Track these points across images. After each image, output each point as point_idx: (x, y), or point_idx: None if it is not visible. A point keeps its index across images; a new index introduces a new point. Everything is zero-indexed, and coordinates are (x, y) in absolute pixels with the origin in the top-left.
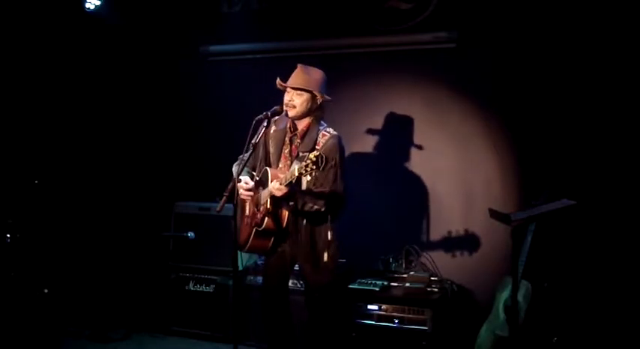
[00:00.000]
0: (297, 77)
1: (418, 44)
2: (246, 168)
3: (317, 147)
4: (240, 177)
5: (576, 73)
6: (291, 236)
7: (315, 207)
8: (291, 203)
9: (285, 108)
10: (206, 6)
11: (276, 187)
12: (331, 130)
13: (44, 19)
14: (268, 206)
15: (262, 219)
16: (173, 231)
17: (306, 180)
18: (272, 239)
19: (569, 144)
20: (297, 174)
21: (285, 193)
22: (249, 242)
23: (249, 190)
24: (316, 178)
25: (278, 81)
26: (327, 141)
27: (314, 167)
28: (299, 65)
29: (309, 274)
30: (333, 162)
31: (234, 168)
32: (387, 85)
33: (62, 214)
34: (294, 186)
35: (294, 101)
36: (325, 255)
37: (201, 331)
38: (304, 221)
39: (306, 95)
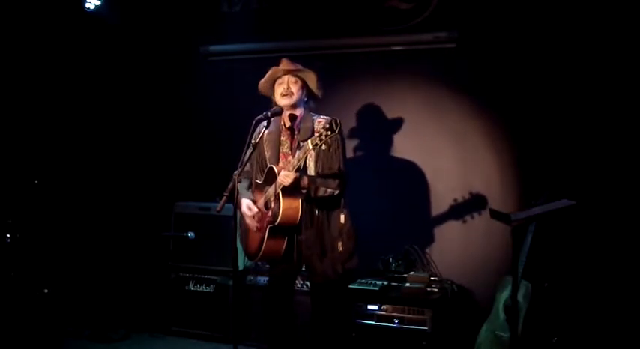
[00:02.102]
0: (288, 64)
1: (418, 44)
2: (245, 182)
3: (315, 133)
4: (243, 202)
5: (576, 73)
6: (305, 229)
7: (329, 190)
8: (304, 191)
9: (281, 99)
10: (206, 6)
11: (283, 174)
12: (325, 116)
13: (44, 19)
14: (280, 199)
15: (275, 215)
16: (173, 231)
17: (313, 162)
18: (285, 238)
19: (568, 144)
20: (310, 146)
21: (294, 179)
22: (263, 246)
23: (253, 216)
24: (323, 162)
25: (270, 70)
26: (324, 125)
27: (329, 133)
28: (283, 59)
29: (319, 267)
30: (335, 145)
31: (238, 186)
32: (387, 84)
33: (62, 214)
34: (302, 171)
35: (291, 88)
36: (339, 244)
37: (201, 331)
38: (317, 210)
39: (300, 82)
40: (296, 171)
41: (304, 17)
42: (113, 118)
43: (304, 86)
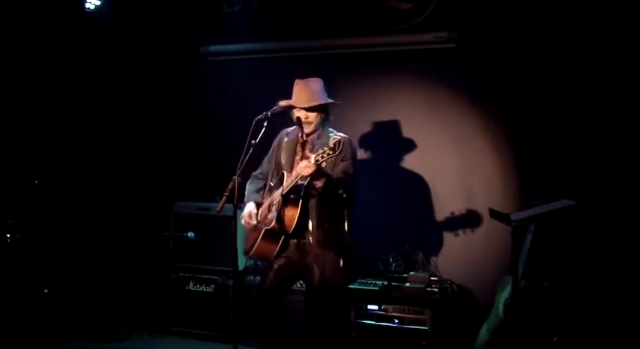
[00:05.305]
0: (304, 94)
1: (418, 44)
2: (256, 184)
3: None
4: (247, 207)
5: (576, 73)
6: (304, 238)
7: (340, 190)
8: (319, 185)
9: (301, 124)
10: (206, 6)
11: (304, 165)
12: (341, 134)
13: (44, 19)
14: (279, 204)
15: (272, 218)
16: (173, 231)
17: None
18: (279, 242)
19: (569, 145)
20: (313, 161)
21: (314, 170)
22: (257, 244)
23: (249, 223)
24: (332, 171)
25: (285, 103)
26: (330, 143)
27: (330, 152)
28: (298, 81)
29: (319, 276)
30: (345, 156)
31: (247, 188)
32: (387, 85)
33: (62, 214)
34: (321, 165)
35: (310, 118)
36: (341, 261)
37: (201, 331)
38: (322, 217)
39: (318, 109)
40: (314, 163)
41: (304, 17)
42: (113, 118)
43: (322, 111)
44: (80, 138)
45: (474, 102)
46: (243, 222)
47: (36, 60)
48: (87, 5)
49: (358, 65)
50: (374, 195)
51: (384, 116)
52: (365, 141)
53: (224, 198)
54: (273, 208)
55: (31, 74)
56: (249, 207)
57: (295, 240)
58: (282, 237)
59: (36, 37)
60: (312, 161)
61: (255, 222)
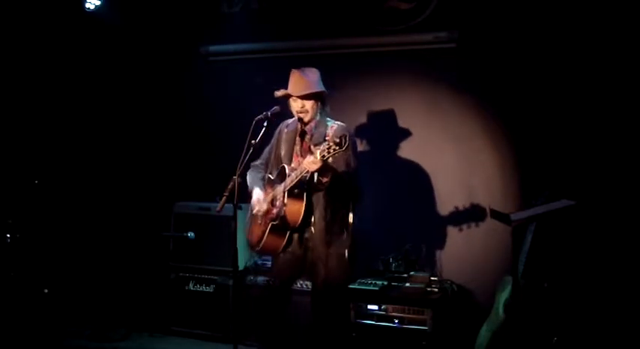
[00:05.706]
0: (299, 84)
1: (418, 44)
2: (259, 172)
3: (326, 138)
4: (254, 193)
5: (576, 73)
6: (313, 227)
7: (345, 183)
8: (325, 180)
9: (298, 115)
10: (206, 6)
11: (310, 160)
12: (339, 122)
13: (44, 19)
14: (285, 199)
15: (278, 213)
16: (173, 231)
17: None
18: (286, 236)
19: (569, 145)
20: (319, 157)
21: (320, 166)
22: (264, 239)
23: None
24: (338, 162)
25: (280, 92)
26: (335, 131)
27: (337, 148)
28: (294, 70)
29: (324, 269)
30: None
31: (248, 177)
32: (387, 85)
33: (62, 214)
34: (327, 161)
35: (306, 106)
36: (346, 252)
37: (201, 331)
38: (327, 211)
39: (312, 99)
40: (321, 159)
41: (304, 17)
42: (113, 118)
43: (318, 99)
44: (80, 138)
45: (474, 102)
46: (255, 209)
47: (36, 60)
48: (87, 5)
49: (358, 65)
50: (374, 195)
51: (384, 116)
52: (365, 140)
53: (224, 198)
54: (278, 203)
55: (31, 74)
56: (257, 193)
57: (298, 234)
58: (288, 232)
59: (36, 37)
60: (318, 156)
61: (266, 206)
